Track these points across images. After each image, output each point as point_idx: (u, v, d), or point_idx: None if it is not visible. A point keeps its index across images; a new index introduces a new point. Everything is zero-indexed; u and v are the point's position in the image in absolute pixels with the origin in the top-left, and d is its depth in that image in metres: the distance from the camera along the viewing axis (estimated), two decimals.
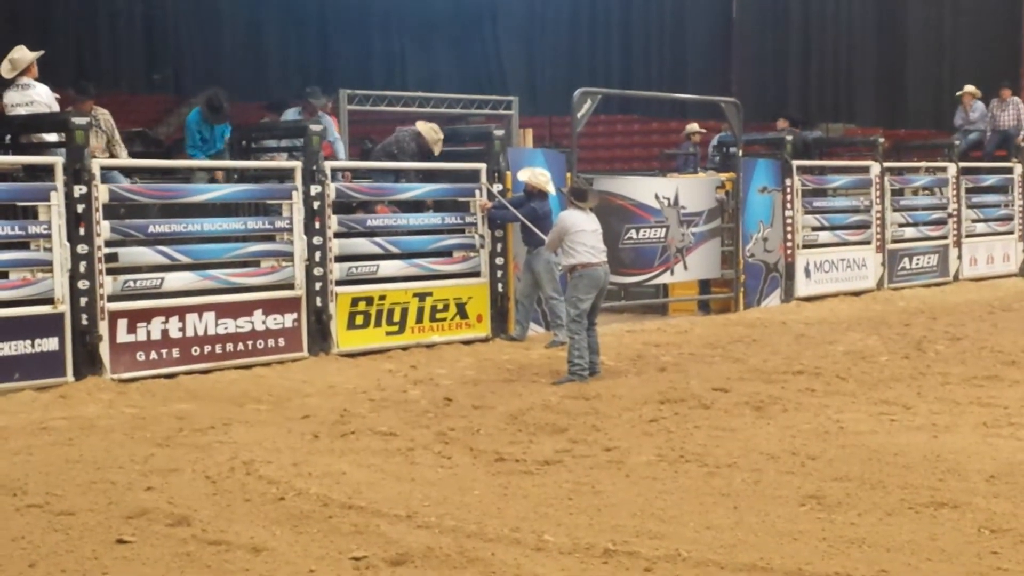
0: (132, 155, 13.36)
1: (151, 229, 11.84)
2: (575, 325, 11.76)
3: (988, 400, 10.19)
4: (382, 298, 13.27)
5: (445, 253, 14.02)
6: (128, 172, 12.47)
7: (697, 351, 13.38)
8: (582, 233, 11.81)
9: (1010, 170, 21.87)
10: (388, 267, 13.43)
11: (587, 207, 12.03)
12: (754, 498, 7.24)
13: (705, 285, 17.18)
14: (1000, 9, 27.74)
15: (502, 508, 7.08)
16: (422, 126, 14.29)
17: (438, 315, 13.74)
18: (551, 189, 13.86)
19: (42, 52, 12.39)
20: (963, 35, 26.81)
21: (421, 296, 13.60)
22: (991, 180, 21.83)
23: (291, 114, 15.11)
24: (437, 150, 14.19)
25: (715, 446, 8.63)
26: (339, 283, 12.87)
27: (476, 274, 14.07)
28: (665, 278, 16.50)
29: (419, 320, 13.54)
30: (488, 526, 6.67)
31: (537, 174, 13.80)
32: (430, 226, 14.08)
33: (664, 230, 16.11)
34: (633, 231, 15.92)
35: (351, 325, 12.99)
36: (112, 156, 12.56)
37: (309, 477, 7.80)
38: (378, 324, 13.24)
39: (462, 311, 13.93)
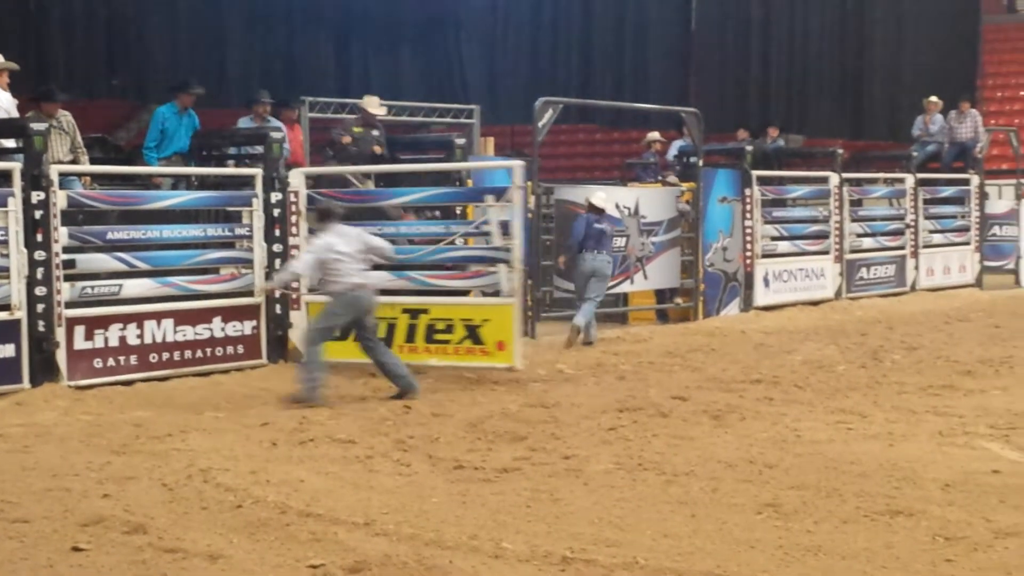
0: (91, 161, 13.30)
1: (109, 235, 11.80)
2: (312, 345, 10.98)
3: (944, 409, 10.27)
4: None
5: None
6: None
7: (656, 360, 13.41)
8: (341, 259, 10.90)
9: (967, 182, 22.06)
10: None
11: (338, 227, 11.13)
12: (711, 506, 7.26)
13: (662, 294, 17.25)
14: (958, 23, 27.98)
15: (460, 516, 7.07)
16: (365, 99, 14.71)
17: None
18: (607, 206, 15.13)
19: (16, 66, 12.42)
20: (922, 49, 27.01)
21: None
22: (948, 191, 22.01)
23: (244, 122, 15.09)
24: (380, 112, 14.77)
25: (673, 454, 8.65)
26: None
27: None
28: (625, 287, 16.54)
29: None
30: (446, 534, 6.67)
31: (596, 194, 15.28)
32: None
33: (624, 239, 16.15)
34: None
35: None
36: (75, 161, 12.51)
37: (267, 485, 7.77)
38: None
39: None
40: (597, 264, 14.92)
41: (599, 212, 15.03)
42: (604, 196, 15.37)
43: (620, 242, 16.02)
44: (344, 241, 10.99)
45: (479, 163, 15.12)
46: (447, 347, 12.37)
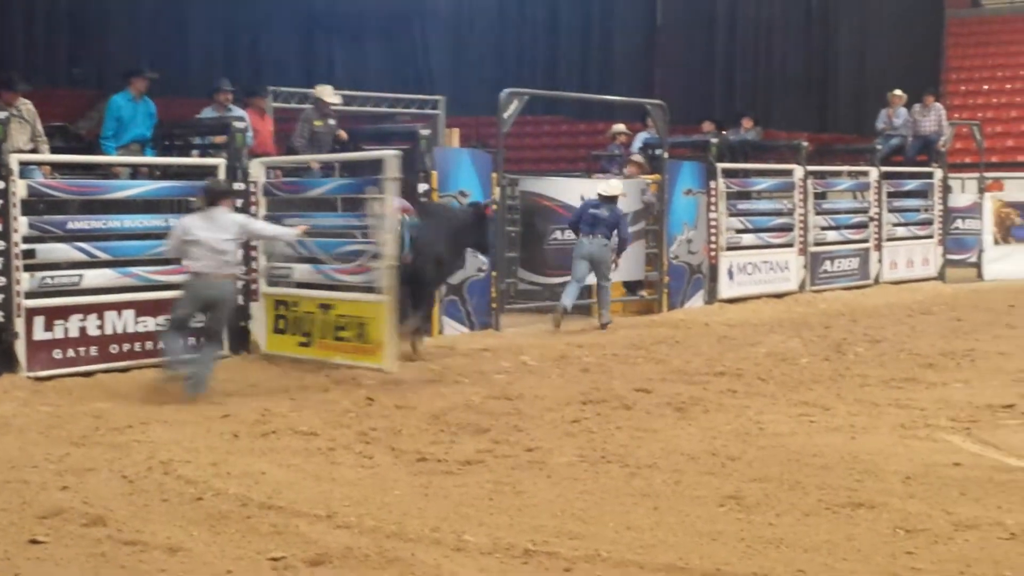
0: (52, 150, 13.18)
1: (70, 225, 11.68)
2: (164, 335, 10.85)
3: (906, 402, 10.31)
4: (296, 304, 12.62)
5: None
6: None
7: (620, 352, 13.41)
8: (197, 243, 10.57)
9: (931, 175, 22.16)
10: None
11: (216, 210, 10.77)
12: (674, 499, 7.26)
13: (629, 287, 17.27)
14: (923, 17, 28.12)
15: (423, 508, 7.05)
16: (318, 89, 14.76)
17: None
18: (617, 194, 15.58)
19: None
20: (886, 42, 27.13)
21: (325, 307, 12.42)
22: (912, 185, 22.09)
23: (208, 111, 14.96)
24: (336, 101, 14.79)
25: (636, 447, 8.65)
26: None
27: None
28: (590, 279, 16.53)
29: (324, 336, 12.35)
30: (408, 526, 6.65)
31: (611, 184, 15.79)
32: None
33: None
34: (558, 232, 15.96)
35: (276, 329, 12.80)
36: (35, 150, 12.39)
37: (228, 477, 7.72)
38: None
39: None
40: (592, 248, 15.29)
41: (607, 200, 15.42)
42: (616, 184, 15.83)
43: None
44: (209, 225, 10.63)
45: (349, 155, 14.31)
46: (346, 344, 12.08)
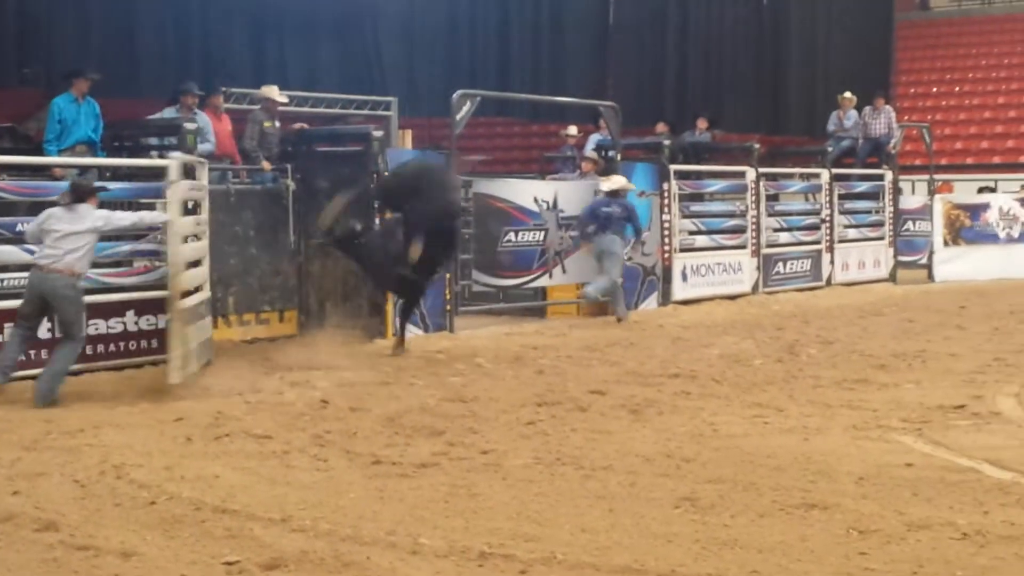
0: (0, 151, 13.02)
1: (19, 227, 11.55)
2: (12, 330, 10.81)
3: (858, 403, 10.38)
4: None
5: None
6: None
7: (575, 354, 13.43)
8: (51, 233, 10.50)
9: (881, 177, 22.34)
10: None
11: (81, 206, 10.64)
12: (629, 500, 7.27)
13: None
14: (872, 20, 28.32)
15: (378, 511, 7.02)
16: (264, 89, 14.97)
17: None
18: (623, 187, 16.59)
19: None
20: (837, 45, 27.30)
21: None
22: (863, 187, 22.28)
23: (169, 112, 14.82)
24: (283, 101, 15.02)
25: (591, 449, 8.66)
26: None
27: None
28: (543, 281, 16.57)
29: None
30: (364, 529, 6.62)
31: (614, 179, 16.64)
32: None
33: (543, 233, 16.17)
34: (512, 233, 15.97)
35: None
36: None
37: (181, 481, 7.67)
38: None
39: None
40: (604, 244, 16.22)
41: (613, 195, 16.35)
42: (618, 178, 16.66)
43: (539, 236, 16.07)
44: (71, 217, 10.54)
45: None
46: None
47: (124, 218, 11.26)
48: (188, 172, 12.22)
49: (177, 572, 5.97)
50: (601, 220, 16.12)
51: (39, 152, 14.30)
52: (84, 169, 13.06)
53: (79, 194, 10.77)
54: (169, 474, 7.83)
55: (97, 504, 7.18)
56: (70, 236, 10.50)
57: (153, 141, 13.85)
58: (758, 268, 19.57)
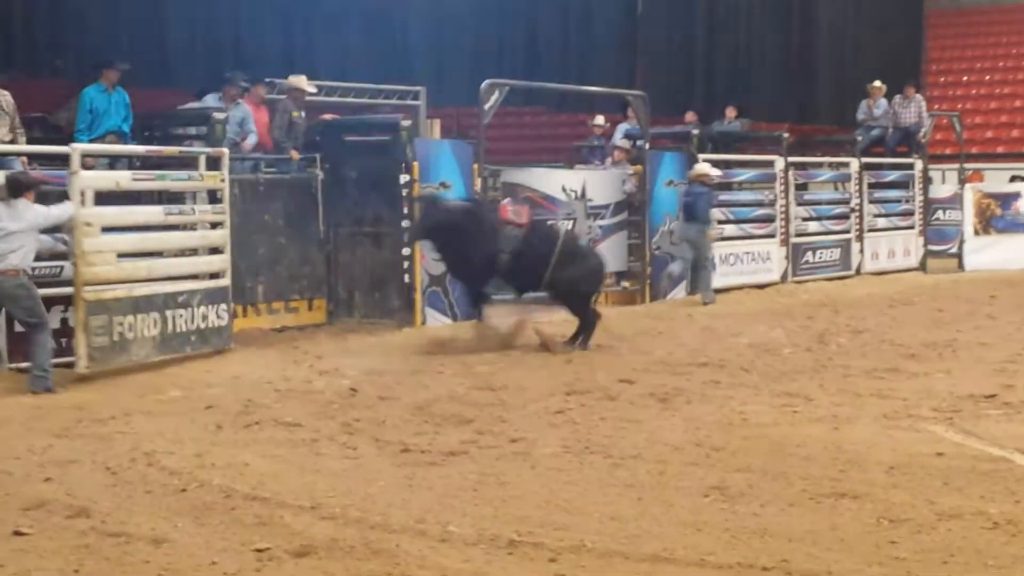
0: (31, 141, 13.06)
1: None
2: None
3: (888, 392, 10.33)
4: None
5: None
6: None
7: (604, 343, 13.40)
8: None
9: (911, 166, 22.23)
10: None
11: (19, 202, 10.45)
12: (658, 489, 7.27)
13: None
14: (903, 9, 28.15)
15: (407, 499, 7.04)
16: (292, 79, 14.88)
17: None
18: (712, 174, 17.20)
19: None
20: (867, 34, 27.15)
21: None
22: (893, 176, 22.17)
23: (211, 100, 14.82)
24: (310, 89, 14.93)
25: (620, 437, 8.66)
26: None
27: None
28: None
29: None
30: (393, 517, 6.64)
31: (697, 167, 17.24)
32: None
33: (571, 222, 16.15)
34: None
35: None
36: (13, 140, 12.30)
37: (212, 468, 7.71)
38: None
39: None
40: (685, 233, 17.00)
41: (703, 182, 16.91)
42: (701, 165, 17.20)
43: (567, 225, 16.04)
44: (9, 215, 10.36)
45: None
46: None
47: (61, 214, 10.89)
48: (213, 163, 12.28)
49: (208, 559, 6.00)
50: (684, 208, 16.92)
51: (69, 142, 14.37)
52: (113, 159, 13.10)
53: (16, 189, 10.52)
54: (200, 461, 7.87)
55: (128, 491, 7.22)
56: (13, 235, 10.33)
57: (192, 131, 13.83)
58: (787, 257, 19.51)
